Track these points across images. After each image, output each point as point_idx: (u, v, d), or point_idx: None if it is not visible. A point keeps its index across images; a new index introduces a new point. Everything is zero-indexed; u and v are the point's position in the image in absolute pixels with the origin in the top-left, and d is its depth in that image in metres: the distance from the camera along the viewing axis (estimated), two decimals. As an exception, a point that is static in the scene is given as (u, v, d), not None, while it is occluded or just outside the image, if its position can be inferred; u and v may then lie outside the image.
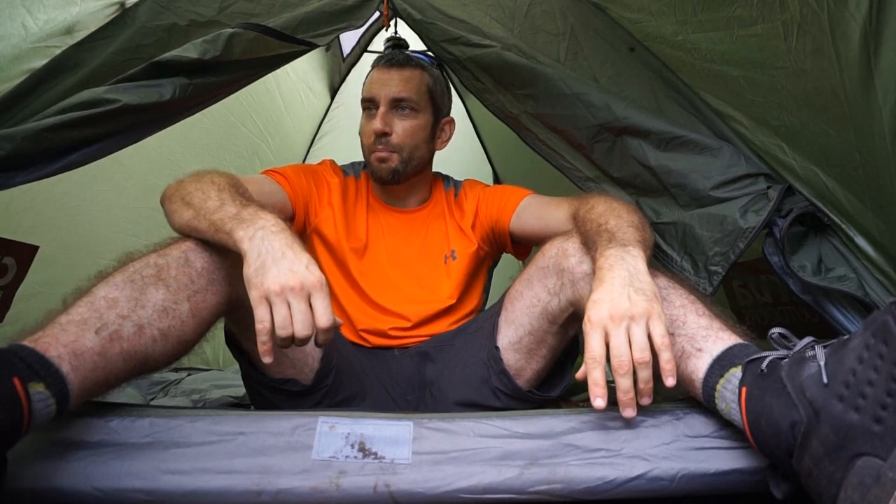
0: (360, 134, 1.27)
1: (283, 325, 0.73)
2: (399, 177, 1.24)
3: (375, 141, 1.21)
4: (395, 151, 1.22)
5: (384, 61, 1.25)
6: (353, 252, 1.24)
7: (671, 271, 1.03)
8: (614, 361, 0.71)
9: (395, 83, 1.22)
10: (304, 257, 0.76)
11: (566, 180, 1.22)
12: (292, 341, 0.74)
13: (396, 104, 1.22)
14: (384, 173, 1.23)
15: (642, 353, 0.71)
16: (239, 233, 0.77)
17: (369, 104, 1.24)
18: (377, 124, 1.20)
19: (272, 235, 0.77)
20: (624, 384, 0.72)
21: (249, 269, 0.75)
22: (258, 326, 0.73)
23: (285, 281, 0.73)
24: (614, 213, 0.92)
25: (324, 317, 0.74)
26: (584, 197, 1.04)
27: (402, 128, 1.22)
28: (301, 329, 0.73)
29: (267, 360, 0.75)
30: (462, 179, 1.39)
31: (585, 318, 0.74)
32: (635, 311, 0.72)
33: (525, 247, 1.29)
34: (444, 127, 1.32)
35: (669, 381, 0.72)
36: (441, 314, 1.22)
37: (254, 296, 0.74)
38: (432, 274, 1.25)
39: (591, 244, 0.87)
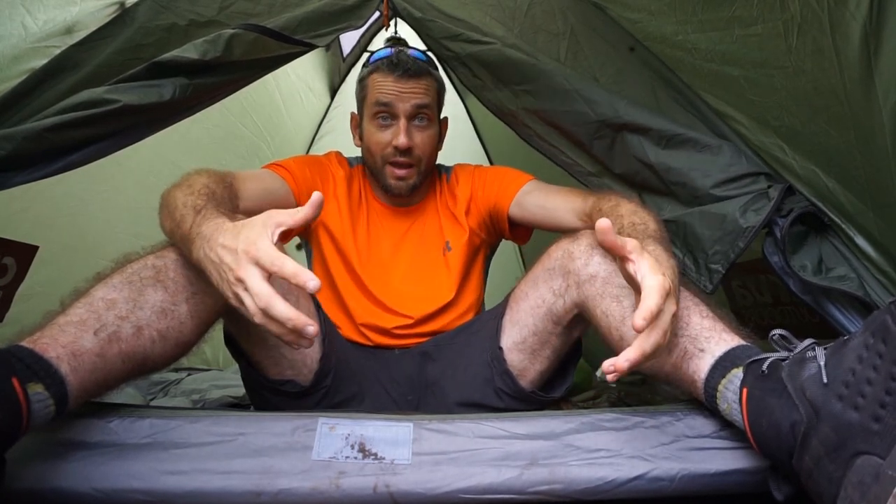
0: (370, 142, 1.23)
1: (252, 311, 0.66)
2: (415, 189, 1.24)
3: (395, 153, 1.20)
4: (415, 165, 1.21)
5: (401, 71, 1.19)
6: (357, 246, 1.24)
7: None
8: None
9: (415, 96, 1.20)
10: (238, 235, 0.68)
11: (565, 178, 1.22)
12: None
13: (414, 116, 1.21)
14: (403, 190, 1.23)
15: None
16: (193, 255, 0.75)
17: (385, 113, 1.20)
18: (402, 139, 1.18)
19: (209, 244, 0.71)
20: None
21: (216, 287, 0.71)
22: (265, 330, 0.68)
23: (233, 274, 0.67)
24: (643, 218, 0.92)
25: (258, 299, 0.65)
26: (602, 192, 1.03)
27: (420, 139, 1.22)
28: (260, 302, 0.65)
29: (293, 346, 0.69)
30: (451, 165, 1.38)
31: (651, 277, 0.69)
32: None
33: (524, 231, 1.28)
34: (443, 126, 1.33)
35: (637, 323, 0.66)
36: (442, 310, 1.22)
37: (234, 306, 0.70)
38: (432, 269, 1.25)
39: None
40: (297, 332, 0.65)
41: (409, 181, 1.22)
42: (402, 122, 1.19)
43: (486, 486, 0.71)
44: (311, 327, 0.64)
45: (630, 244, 0.71)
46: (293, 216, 0.69)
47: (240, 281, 0.66)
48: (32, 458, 0.68)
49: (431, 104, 1.24)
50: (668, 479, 0.73)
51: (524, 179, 1.22)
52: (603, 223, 0.69)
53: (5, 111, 0.96)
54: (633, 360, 0.65)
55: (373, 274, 1.23)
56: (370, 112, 1.22)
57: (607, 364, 0.66)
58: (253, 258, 0.66)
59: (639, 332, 0.65)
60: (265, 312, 0.65)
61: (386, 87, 1.20)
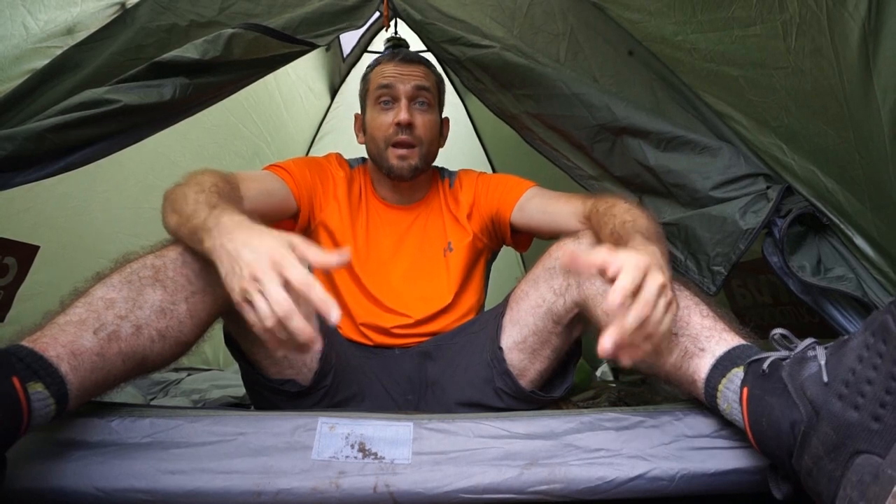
0: (373, 127, 1.25)
1: (264, 315, 0.64)
2: (417, 173, 1.25)
3: (397, 132, 1.21)
4: (417, 145, 1.22)
5: (400, 57, 1.25)
6: (356, 246, 1.24)
7: (677, 272, 1.03)
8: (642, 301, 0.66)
9: (415, 77, 1.23)
10: (262, 239, 0.69)
11: (566, 180, 1.22)
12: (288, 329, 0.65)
13: (415, 98, 1.23)
14: (405, 171, 1.23)
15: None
16: (206, 243, 0.74)
17: (387, 95, 1.23)
18: (403, 114, 1.20)
19: (229, 236, 0.71)
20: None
21: (223, 277, 0.71)
22: (254, 328, 0.67)
23: (249, 271, 0.66)
24: (634, 215, 0.91)
25: (278, 306, 0.64)
26: (600, 195, 1.03)
27: (421, 121, 1.23)
28: (280, 310, 0.64)
29: (279, 353, 0.71)
30: (456, 170, 1.39)
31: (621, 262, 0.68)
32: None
33: (525, 238, 1.29)
34: (445, 125, 1.34)
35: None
36: (442, 311, 1.22)
37: (236, 301, 0.69)
38: (433, 270, 1.25)
39: (615, 237, 0.85)
40: (303, 346, 0.65)
41: (411, 161, 1.22)
42: (404, 102, 1.22)
43: (486, 486, 0.71)
44: (319, 345, 0.66)
45: (597, 255, 0.69)
46: (315, 257, 0.68)
47: (255, 280, 0.65)
48: (33, 458, 0.69)
49: (431, 89, 1.26)
50: (667, 479, 0.73)
51: (526, 186, 1.23)
52: (564, 257, 0.69)
53: (6, 111, 0.96)
54: (615, 338, 0.65)
55: (372, 273, 1.23)
56: (373, 99, 1.25)
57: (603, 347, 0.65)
58: (279, 268, 0.65)
59: (613, 308, 0.65)
60: (282, 321, 0.64)
61: (387, 71, 1.24)
